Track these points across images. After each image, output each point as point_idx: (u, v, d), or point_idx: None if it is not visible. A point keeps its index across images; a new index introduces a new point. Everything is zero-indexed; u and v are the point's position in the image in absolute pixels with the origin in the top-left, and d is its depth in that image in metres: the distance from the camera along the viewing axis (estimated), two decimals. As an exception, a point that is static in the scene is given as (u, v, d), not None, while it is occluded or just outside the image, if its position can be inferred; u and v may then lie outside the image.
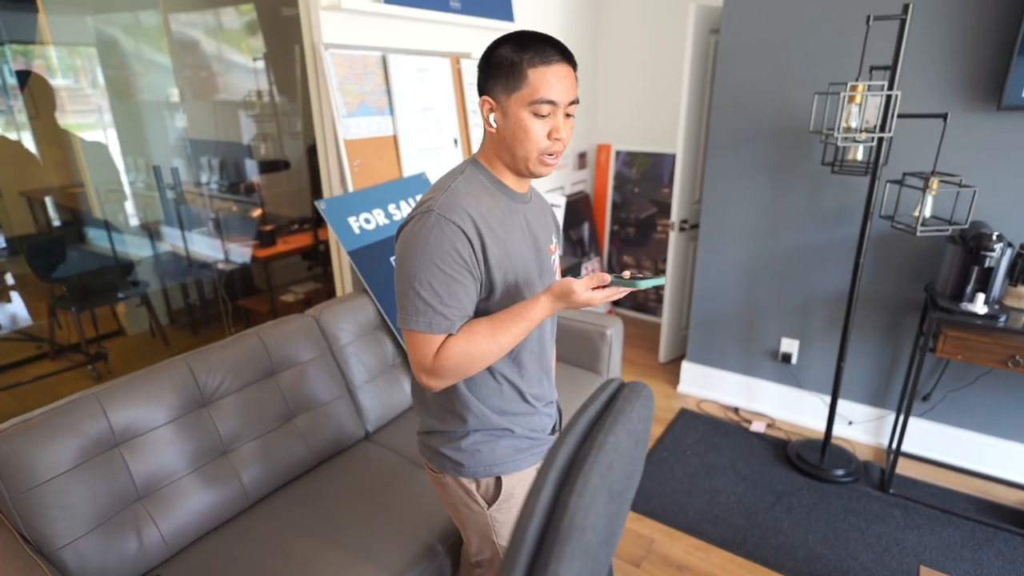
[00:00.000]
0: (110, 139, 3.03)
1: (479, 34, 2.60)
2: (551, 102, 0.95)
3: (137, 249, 3.24)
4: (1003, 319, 1.95)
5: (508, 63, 0.95)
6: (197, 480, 1.45)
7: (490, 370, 1.08)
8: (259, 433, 1.60)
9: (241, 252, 3.33)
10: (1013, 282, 2.03)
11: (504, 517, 1.15)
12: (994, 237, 1.95)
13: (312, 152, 3.47)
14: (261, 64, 3.73)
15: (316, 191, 3.47)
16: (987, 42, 2.01)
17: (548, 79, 0.94)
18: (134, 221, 3.22)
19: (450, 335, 0.96)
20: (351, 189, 2.13)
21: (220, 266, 3.31)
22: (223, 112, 3.70)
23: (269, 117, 3.85)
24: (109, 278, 3.02)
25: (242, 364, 1.62)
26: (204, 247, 3.37)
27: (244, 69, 3.67)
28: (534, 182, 0.90)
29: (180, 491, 1.41)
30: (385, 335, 2.04)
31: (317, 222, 3.34)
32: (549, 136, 0.97)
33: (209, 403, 1.54)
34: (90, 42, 2.88)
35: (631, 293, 1.03)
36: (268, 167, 3.57)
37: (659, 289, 1.13)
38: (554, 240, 1.14)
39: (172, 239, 3.35)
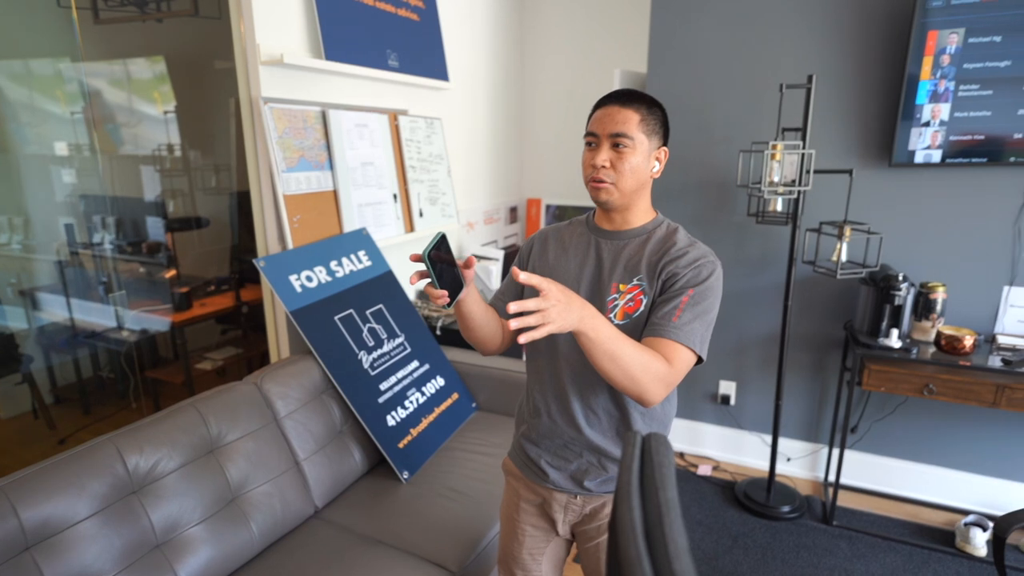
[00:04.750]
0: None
1: (416, 92, 2.62)
2: (591, 134, 1.10)
3: (15, 320, 2.87)
4: (915, 351, 2.14)
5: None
6: (126, 582, 1.24)
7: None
8: (199, 519, 1.41)
9: (148, 318, 3.03)
10: (918, 317, 2.24)
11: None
12: (900, 277, 2.17)
13: (241, 208, 3.28)
14: (172, 116, 3.53)
15: (245, 249, 3.26)
16: (877, 108, 2.30)
17: (596, 117, 1.10)
18: (8, 286, 2.85)
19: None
20: (291, 246, 2.02)
21: (123, 334, 2.98)
22: (123, 166, 3.43)
23: (180, 172, 3.62)
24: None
25: (179, 440, 1.44)
26: (100, 314, 3.03)
27: (153, 121, 3.46)
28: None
29: (106, 598, 1.20)
30: (331, 399, 1.90)
31: (239, 282, 3.12)
32: (591, 164, 1.09)
33: (140, 488, 1.34)
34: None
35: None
36: (180, 225, 3.32)
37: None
38: (635, 281, 1.10)
39: (56, 307, 3.00)
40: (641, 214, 1.15)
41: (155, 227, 3.29)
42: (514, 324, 0.84)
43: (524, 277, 0.87)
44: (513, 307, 0.85)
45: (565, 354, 1.14)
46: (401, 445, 1.93)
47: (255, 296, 3.11)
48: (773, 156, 2.15)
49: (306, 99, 2.10)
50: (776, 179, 2.18)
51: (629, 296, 1.09)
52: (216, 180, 3.60)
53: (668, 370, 0.99)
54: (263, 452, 1.62)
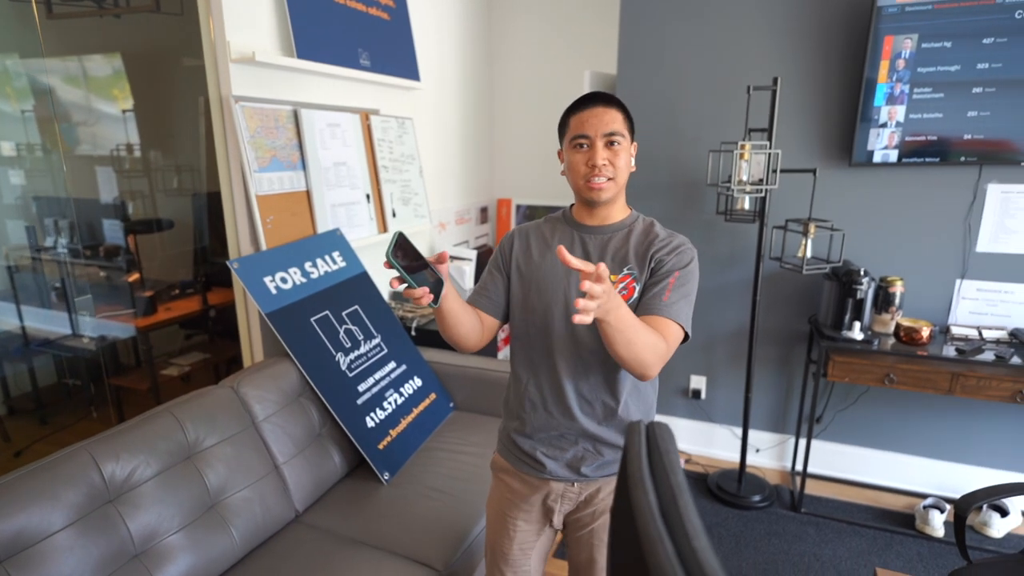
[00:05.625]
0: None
1: (387, 91, 2.61)
2: (584, 136, 1.13)
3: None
4: (876, 343, 2.24)
5: (561, 121, 1.19)
6: (103, 594, 1.20)
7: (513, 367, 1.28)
8: (178, 527, 1.38)
9: (108, 324, 2.92)
10: (878, 310, 2.35)
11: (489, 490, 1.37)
12: (861, 272, 2.26)
13: (209, 209, 3.19)
14: (131, 115, 3.41)
15: (212, 251, 3.17)
16: (838, 110, 2.39)
17: (581, 120, 1.14)
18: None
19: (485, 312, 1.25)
20: (264, 247, 1.98)
21: (83, 341, 2.87)
22: (79, 167, 3.30)
23: (140, 173, 3.51)
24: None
25: (156, 447, 1.40)
26: (55, 321, 2.91)
27: (112, 120, 3.34)
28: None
29: (83, 611, 1.16)
30: (310, 402, 1.88)
31: (206, 285, 3.04)
32: (587, 164, 1.13)
33: (117, 497, 1.30)
34: None
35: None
36: (142, 227, 3.22)
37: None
38: (625, 271, 1.16)
39: (7, 314, 2.86)
40: (621, 209, 1.23)
41: (114, 230, 3.18)
42: (581, 303, 0.86)
43: (577, 263, 0.89)
44: (588, 286, 0.86)
45: (560, 348, 1.18)
46: (381, 446, 1.92)
47: (222, 300, 3.03)
48: (742, 156, 2.21)
49: (278, 98, 2.07)
50: (745, 178, 2.25)
51: (621, 286, 1.16)
52: (179, 181, 3.49)
53: (666, 347, 1.07)
54: (242, 457, 1.59)
